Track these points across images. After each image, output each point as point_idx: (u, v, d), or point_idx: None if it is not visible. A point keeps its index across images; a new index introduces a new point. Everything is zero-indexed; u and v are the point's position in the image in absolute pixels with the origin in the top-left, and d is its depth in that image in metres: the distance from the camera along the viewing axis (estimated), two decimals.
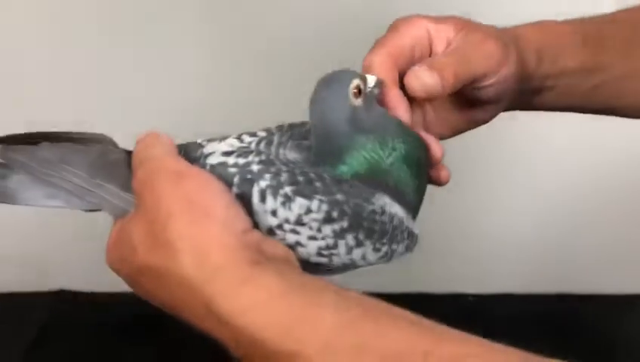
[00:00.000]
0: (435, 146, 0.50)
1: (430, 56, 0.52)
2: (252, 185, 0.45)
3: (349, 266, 0.48)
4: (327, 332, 0.37)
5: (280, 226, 0.45)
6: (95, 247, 1.14)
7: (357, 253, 0.47)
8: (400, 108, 0.49)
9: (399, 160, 0.47)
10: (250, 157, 0.46)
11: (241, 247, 0.40)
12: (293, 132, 0.50)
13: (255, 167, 0.46)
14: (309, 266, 0.46)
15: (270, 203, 0.45)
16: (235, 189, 0.45)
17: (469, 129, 0.57)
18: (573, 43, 0.57)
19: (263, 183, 0.46)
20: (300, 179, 0.46)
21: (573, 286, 1.12)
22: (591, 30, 0.59)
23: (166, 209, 0.42)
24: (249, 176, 0.46)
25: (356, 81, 0.46)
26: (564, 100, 0.59)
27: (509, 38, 0.53)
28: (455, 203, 1.02)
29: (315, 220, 0.45)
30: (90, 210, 0.48)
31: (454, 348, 0.36)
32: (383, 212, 0.47)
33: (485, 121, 0.56)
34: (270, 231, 0.45)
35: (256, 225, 0.45)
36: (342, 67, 0.49)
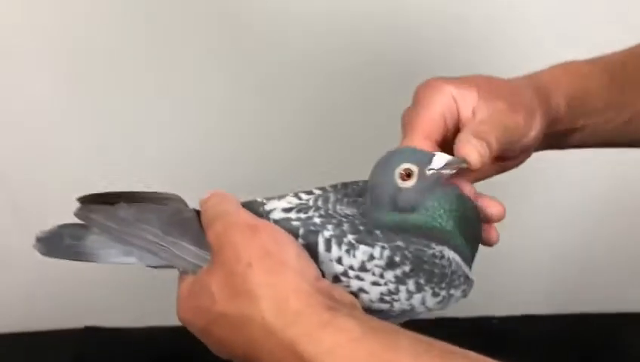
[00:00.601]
0: (493, 208, 0.52)
1: (459, 121, 0.53)
2: (317, 236, 0.48)
3: (407, 313, 0.50)
4: None
5: (345, 273, 0.47)
6: (119, 285, 1.16)
7: (417, 298, 0.49)
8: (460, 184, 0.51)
9: (455, 223, 0.49)
10: (311, 213, 0.49)
11: (316, 293, 0.43)
12: (347, 190, 0.52)
13: (317, 220, 0.49)
14: (370, 313, 0.47)
15: (335, 251, 0.47)
16: (300, 240, 0.48)
17: (498, 174, 0.58)
18: (600, 83, 0.57)
19: (327, 233, 0.48)
20: (361, 228, 0.48)
21: (599, 305, 1.12)
22: (616, 67, 0.60)
23: (246, 259, 0.44)
24: (313, 228, 0.48)
25: (404, 166, 0.48)
26: (595, 138, 0.59)
27: (533, 89, 0.54)
28: None
29: (377, 266, 0.48)
30: (161, 266, 0.49)
31: None
32: (442, 256, 0.49)
33: (516, 167, 0.57)
34: (336, 279, 0.48)
35: (322, 273, 0.47)
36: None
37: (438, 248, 0.49)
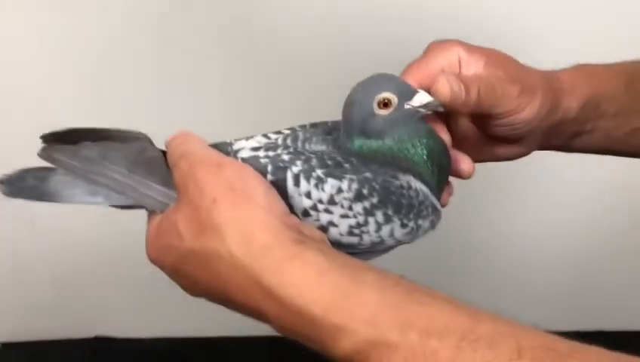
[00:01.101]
0: (464, 163, 0.53)
1: None
2: (286, 171, 0.48)
3: (376, 245, 0.50)
4: (372, 307, 0.38)
5: (314, 207, 0.48)
6: (130, 295, 1.16)
7: (385, 230, 0.49)
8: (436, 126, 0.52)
9: (423, 153, 0.50)
10: (279, 150, 0.49)
11: (283, 228, 0.42)
12: (317, 129, 0.53)
13: (286, 157, 0.49)
14: (339, 248, 0.48)
15: (304, 186, 0.48)
16: (269, 177, 0.48)
17: (493, 160, 0.58)
18: (616, 89, 0.57)
19: (295, 168, 0.48)
20: (330, 162, 0.49)
21: (615, 323, 1.10)
22: (633, 74, 0.59)
23: (210, 195, 0.44)
24: (281, 165, 0.48)
25: (384, 95, 0.49)
26: (602, 143, 0.58)
27: (545, 80, 0.53)
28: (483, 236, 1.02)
29: (346, 199, 0.48)
30: (128, 207, 0.50)
31: (491, 327, 0.37)
32: (410, 186, 0.49)
33: (509, 158, 0.57)
34: (305, 213, 0.48)
35: (291, 209, 0.47)
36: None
37: (404, 178, 0.49)
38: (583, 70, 0.57)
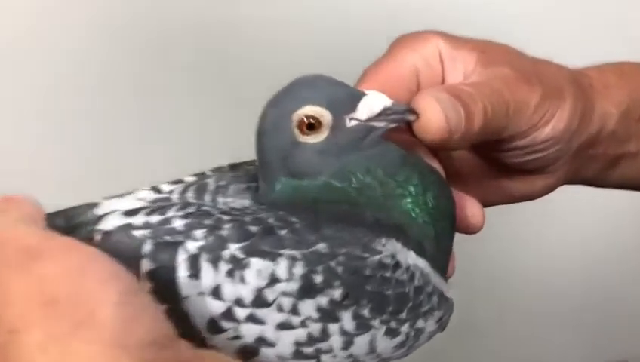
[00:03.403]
0: (470, 208, 0.36)
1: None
2: (175, 251, 0.28)
3: None
4: None
5: (229, 314, 0.28)
6: None
7: (360, 344, 0.29)
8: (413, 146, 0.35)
9: (411, 200, 0.32)
10: (171, 212, 0.30)
11: None
12: (238, 173, 0.34)
13: (179, 223, 0.29)
14: None
15: (208, 276, 0.28)
16: (145, 264, 0.28)
17: (504, 202, 0.41)
18: None
19: (192, 245, 0.28)
20: (253, 229, 0.29)
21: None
22: None
23: (11, 313, 0.24)
24: (169, 239, 0.29)
25: (305, 111, 0.31)
26: None
27: (572, 80, 0.38)
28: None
29: (286, 294, 0.28)
30: None
31: None
32: (397, 263, 0.29)
33: (528, 196, 0.40)
34: (213, 327, 0.28)
35: (183, 323, 0.27)
36: None
37: (386, 247, 0.29)
38: (613, 69, 0.42)
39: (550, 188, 0.40)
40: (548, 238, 1.00)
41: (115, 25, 0.82)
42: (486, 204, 0.38)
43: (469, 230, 0.35)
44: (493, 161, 0.38)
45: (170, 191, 0.32)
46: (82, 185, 0.89)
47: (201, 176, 0.33)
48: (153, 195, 0.32)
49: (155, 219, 0.29)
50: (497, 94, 0.34)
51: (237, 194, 0.32)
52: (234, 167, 0.34)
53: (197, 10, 0.84)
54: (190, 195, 0.31)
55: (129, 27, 0.83)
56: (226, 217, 0.29)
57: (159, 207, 0.30)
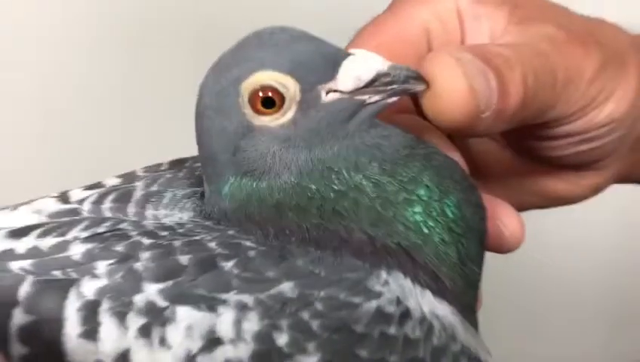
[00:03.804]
0: (507, 217, 0.27)
1: None
2: (63, 296, 0.19)
3: None
4: None
5: None
6: None
7: None
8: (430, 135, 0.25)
9: (424, 209, 0.22)
10: (73, 232, 0.21)
11: None
12: (179, 173, 0.25)
13: (77, 251, 0.20)
14: None
15: (110, 335, 0.19)
16: (18, 317, 0.19)
17: (542, 206, 0.32)
18: None
19: (90, 286, 0.19)
20: (184, 260, 0.19)
21: None
22: None
23: None
24: (58, 275, 0.20)
25: (259, 78, 0.21)
26: None
27: (635, 51, 0.29)
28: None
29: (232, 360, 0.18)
30: None
31: None
32: (406, 313, 0.19)
33: (570, 199, 0.31)
34: None
35: None
36: None
37: (389, 288, 0.20)
38: None
39: (597, 190, 0.31)
40: (567, 234, 0.90)
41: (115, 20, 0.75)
42: (515, 208, 0.29)
43: (504, 248, 0.26)
44: (528, 153, 0.29)
45: (81, 201, 0.23)
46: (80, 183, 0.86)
47: (129, 177, 0.24)
48: (56, 206, 0.23)
49: (47, 243, 0.21)
50: (542, 58, 0.25)
51: (174, 203, 0.22)
52: (175, 163, 0.24)
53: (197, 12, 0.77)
54: (108, 206, 0.22)
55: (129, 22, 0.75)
56: (147, 241, 0.20)
57: (60, 224, 0.21)
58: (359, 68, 0.21)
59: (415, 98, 0.23)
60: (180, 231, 0.20)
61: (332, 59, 0.21)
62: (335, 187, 0.21)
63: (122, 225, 0.21)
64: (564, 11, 0.29)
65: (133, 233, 0.20)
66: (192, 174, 0.24)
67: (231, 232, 0.20)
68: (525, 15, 0.27)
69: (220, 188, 0.22)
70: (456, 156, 0.24)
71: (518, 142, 0.28)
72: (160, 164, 0.25)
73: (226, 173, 0.21)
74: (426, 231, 0.21)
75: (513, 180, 0.30)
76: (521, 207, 0.30)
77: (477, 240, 0.22)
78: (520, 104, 0.24)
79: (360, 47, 0.24)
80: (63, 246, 0.20)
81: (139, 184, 0.23)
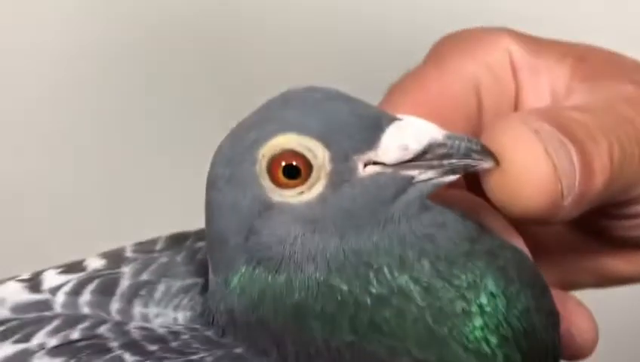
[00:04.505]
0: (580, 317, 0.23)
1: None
2: None
3: None
4: None
5: None
6: None
7: None
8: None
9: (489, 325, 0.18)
10: (39, 338, 0.18)
11: None
12: (178, 254, 0.21)
13: None
14: None
15: None
16: None
17: (592, 287, 0.30)
18: None
19: None
20: None
21: None
22: None
23: None
24: None
25: (281, 142, 0.18)
26: None
27: None
28: None
29: None
30: None
31: None
32: None
33: (629, 280, 0.29)
34: None
35: None
36: None
37: None
38: None
39: None
40: None
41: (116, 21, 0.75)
42: (567, 287, 0.26)
43: (575, 357, 0.22)
44: (595, 233, 0.26)
45: (55, 289, 0.19)
46: (84, 188, 0.85)
47: (115, 258, 0.20)
48: (23, 296, 0.19)
49: (4, 351, 0.17)
50: (627, 125, 0.22)
51: (167, 299, 0.19)
52: (173, 242, 0.21)
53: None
54: (86, 299, 0.19)
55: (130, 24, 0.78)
56: (130, 358, 0.16)
57: (24, 323, 0.18)
58: (407, 135, 0.17)
59: (474, 176, 0.19)
60: (174, 344, 0.16)
61: (373, 124, 0.18)
62: (373, 290, 0.17)
63: (102, 329, 0.17)
64: (635, 64, 0.26)
65: (114, 344, 0.16)
66: (192, 258, 0.20)
67: (238, 351, 0.16)
68: (592, 70, 0.25)
69: (228, 280, 0.18)
70: (520, 243, 0.20)
71: (588, 222, 0.24)
72: (155, 241, 0.21)
73: (237, 261, 0.18)
74: (487, 350, 0.17)
75: (569, 257, 0.27)
76: (574, 286, 0.28)
77: (545, 353, 0.18)
78: (606, 184, 0.20)
79: (397, 107, 0.22)
80: (23, 358, 0.16)
81: (126, 270, 0.19)
